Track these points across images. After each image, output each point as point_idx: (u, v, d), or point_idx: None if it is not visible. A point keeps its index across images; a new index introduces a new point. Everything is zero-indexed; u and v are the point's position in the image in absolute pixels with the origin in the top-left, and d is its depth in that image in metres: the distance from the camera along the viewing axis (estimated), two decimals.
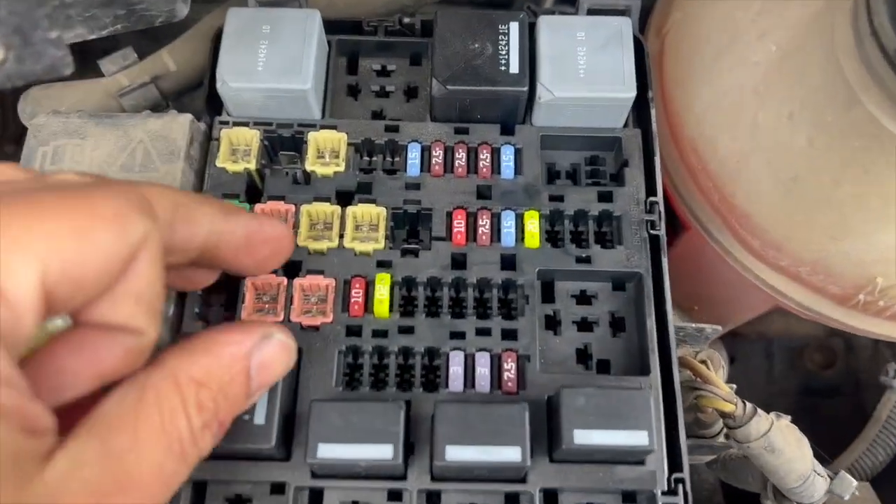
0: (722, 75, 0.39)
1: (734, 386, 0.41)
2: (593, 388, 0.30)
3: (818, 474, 0.36)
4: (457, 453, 0.28)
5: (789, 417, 0.36)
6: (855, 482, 0.36)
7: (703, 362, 0.38)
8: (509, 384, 0.32)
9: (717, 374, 0.38)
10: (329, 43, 0.38)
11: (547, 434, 0.31)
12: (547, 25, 0.36)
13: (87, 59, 0.42)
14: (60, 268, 0.20)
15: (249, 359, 0.25)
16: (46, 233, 0.20)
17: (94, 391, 0.23)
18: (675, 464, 0.31)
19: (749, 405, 0.35)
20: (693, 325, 0.40)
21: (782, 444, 0.34)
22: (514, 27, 0.35)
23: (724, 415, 0.35)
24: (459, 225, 0.34)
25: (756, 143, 0.37)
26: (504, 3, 0.61)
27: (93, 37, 0.32)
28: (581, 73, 0.35)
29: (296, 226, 0.34)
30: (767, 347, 0.72)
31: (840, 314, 0.39)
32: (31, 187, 0.21)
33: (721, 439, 0.39)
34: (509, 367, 0.32)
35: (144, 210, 0.22)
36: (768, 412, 0.36)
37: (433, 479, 0.30)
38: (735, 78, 0.38)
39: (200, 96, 0.38)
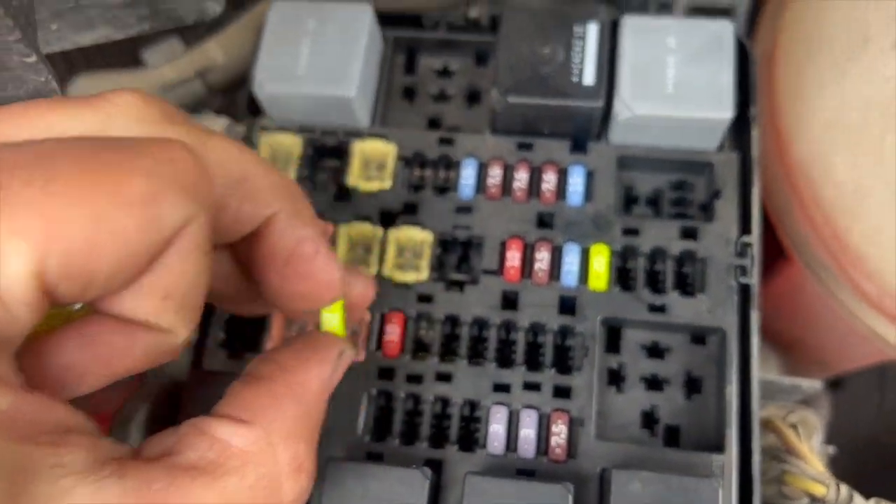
0: (845, 87, 0.32)
1: (830, 450, 0.36)
2: (651, 473, 0.25)
3: None
4: None
5: None
6: None
7: (794, 427, 0.32)
8: (557, 451, 0.28)
9: (811, 442, 0.33)
10: (385, 39, 0.34)
11: None
12: (631, 29, 0.30)
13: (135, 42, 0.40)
14: (65, 259, 0.16)
15: (326, 389, 0.22)
16: (50, 215, 0.16)
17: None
18: None
19: (844, 489, 0.30)
20: (788, 379, 0.34)
21: None
22: (593, 30, 0.30)
23: (813, 498, 0.30)
24: (514, 258, 0.30)
25: (881, 173, 0.31)
26: None
27: (120, 37, 0.29)
28: (669, 87, 0.30)
29: (332, 244, 0.31)
30: (881, 375, 0.64)
31: None
32: (50, 148, 0.17)
33: None
34: (559, 431, 0.28)
35: (189, 189, 0.18)
36: (870, 488, 0.31)
37: None
38: (861, 92, 0.32)
39: (245, 95, 0.35)
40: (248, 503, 0.19)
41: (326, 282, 0.23)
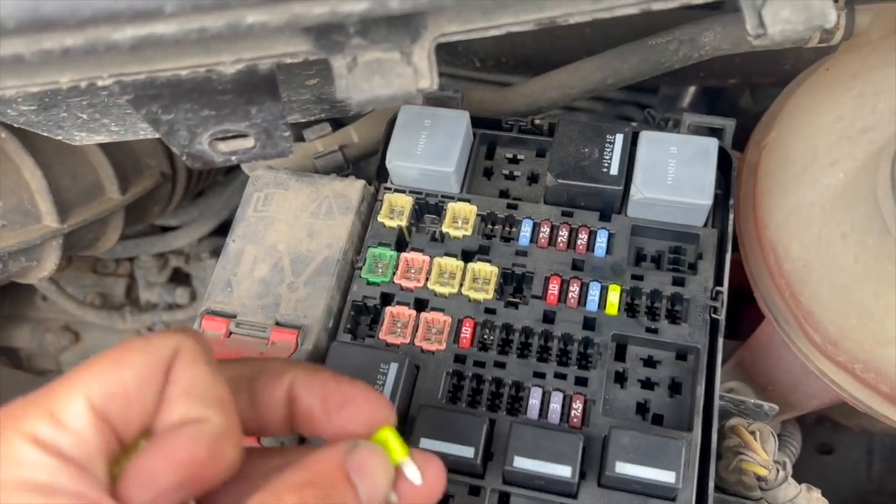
0: (800, 191, 0.45)
1: (786, 463, 0.47)
2: (637, 431, 0.37)
3: None
4: (522, 463, 0.37)
5: (819, 491, 0.41)
6: None
7: (753, 433, 0.44)
8: (575, 420, 0.40)
9: (766, 446, 0.44)
10: (474, 134, 0.49)
11: (599, 464, 0.39)
12: (647, 139, 0.44)
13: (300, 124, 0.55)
14: (105, 391, 0.25)
15: (344, 465, 0.27)
16: (88, 373, 0.25)
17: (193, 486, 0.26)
18: None
19: (783, 474, 0.41)
20: (752, 401, 0.46)
21: None
22: (619, 138, 0.44)
23: (759, 478, 0.41)
24: (554, 288, 0.43)
25: (819, 254, 0.43)
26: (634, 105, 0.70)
27: (304, 120, 0.44)
28: (669, 180, 0.43)
29: (428, 273, 0.45)
30: (869, 444, 0.74)
31: (891, 412, 0.44)
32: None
33: (764, 503, 0.45)
34: (577, 407, 0.40)
35: (172, 335, 0.27)
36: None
37: (504, 482, 0.39)
38: (809, 195, 0.44)
39: (374, 163, 0.49)
40: None
41: (359, 394, 0.30)
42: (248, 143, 0.34)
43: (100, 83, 0.29)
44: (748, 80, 0.63)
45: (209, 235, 0.83)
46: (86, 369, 0.25)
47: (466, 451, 0.38)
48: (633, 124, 0.45)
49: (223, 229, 0.83)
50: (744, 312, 0.64)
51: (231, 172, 0.82)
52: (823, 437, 0.74)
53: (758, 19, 0.30)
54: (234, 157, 0.35)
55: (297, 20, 0.24)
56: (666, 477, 0.36)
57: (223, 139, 0.34)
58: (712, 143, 0.44)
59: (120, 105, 0.38)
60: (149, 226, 0.84)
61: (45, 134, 0.41)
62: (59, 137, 0.41)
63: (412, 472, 0.28)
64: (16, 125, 0.39)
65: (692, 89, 0.79)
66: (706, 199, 0.42)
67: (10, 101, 0.35)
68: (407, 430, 0.40)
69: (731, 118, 0.47)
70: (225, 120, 0.32)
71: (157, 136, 0.43)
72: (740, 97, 0.78)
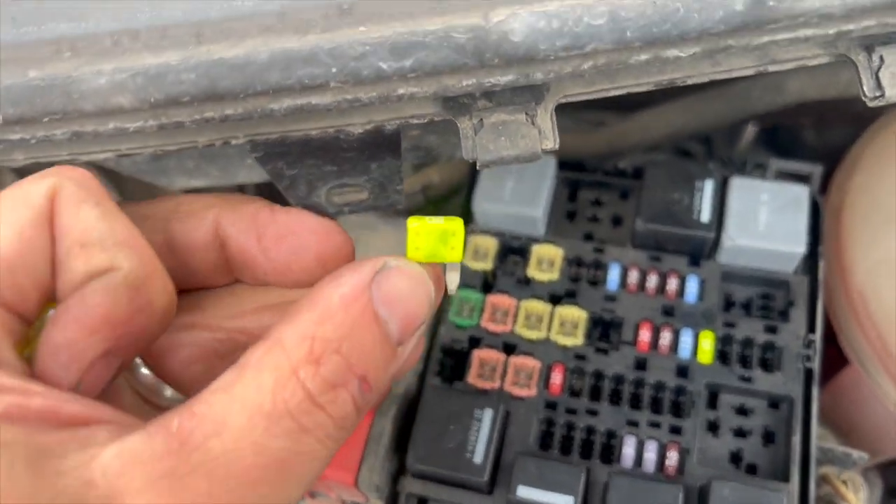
0: (891, 238, 0.45)
1: None
2: (739, 483, 0.37)
3: None
4: None
5: None
6: None
7: (844, 482, 0.43)
8: (670, 469, 0.40)
9: (858, 495, 0.43)
10: (557, 177, 0.49)
11: None
12: (737, 186, 0.44)
13: None
14: None
15: (369, 297, 0.21)
16: None
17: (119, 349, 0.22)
18: None
19: None
20: (841, 448, 0.45)
21: None
22: (710, 184, 0.45)
23: None
24: (645, 335, 0.43)
25: None
26: (702, 151, 0.70)
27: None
28: (761, 227, 0.43)
29: (515, 317, 0.45)
30: None
31: None
32: None
33: None
34: (672, 456, 0.40)
35: (42, 177, 0.21)
36: None
37: None
38: None
39: (452, 203, 0.50)
40: (264, 413, 0.19)
41: (301, 225, 0.26)
42: (363, 195, 0.35)
43: (234, 143, 0.29)
44: (820, 120, 0.62)
45: None
46: None
47: (566, 501, 0.38)
48: (716, 175, 0.45)
49: None
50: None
51: None
52: (894, 479, 0.73)
53: (875, 82, 0.30)
54: (346, 209, 0.35)
55: (444, 91, 0.25)
56: None
57: (338, 191, 0.34)
58: (803, 192, 0.44)
59: (228, 155, 0.39)
60: None
61: (149, 181, 0.42)
62: (162, 184, 0.42)
63: (452, 279, 0.25)
64: (124, 173, 0.40)
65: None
66: (800, 247, 0.42)
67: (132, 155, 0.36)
68: (502, 477, 0.40)
69: (817, 163, 0.47)
70: (345, 175, 0.33)
71: (253, 181, 0.43)
72: (802, 132, 0.77)
